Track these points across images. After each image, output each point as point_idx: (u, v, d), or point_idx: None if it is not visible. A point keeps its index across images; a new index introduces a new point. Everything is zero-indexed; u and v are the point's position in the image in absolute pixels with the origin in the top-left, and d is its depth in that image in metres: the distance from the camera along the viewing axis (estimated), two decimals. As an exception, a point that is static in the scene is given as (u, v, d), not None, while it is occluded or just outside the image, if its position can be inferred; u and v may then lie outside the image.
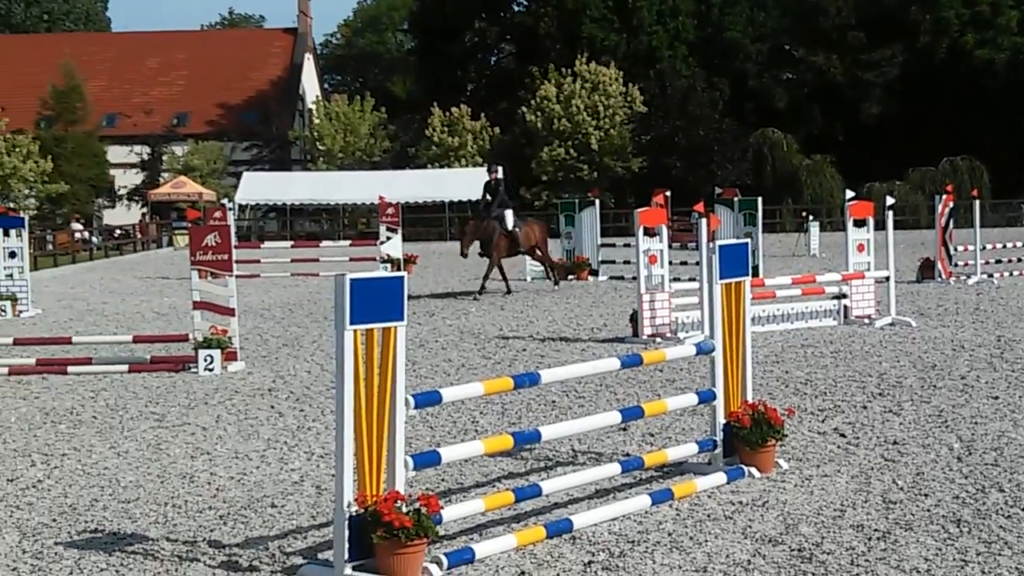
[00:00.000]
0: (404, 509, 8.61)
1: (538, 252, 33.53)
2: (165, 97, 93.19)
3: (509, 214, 31.83)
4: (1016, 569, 8.71)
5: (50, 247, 59.43)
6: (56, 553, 9.80)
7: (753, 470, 11.28)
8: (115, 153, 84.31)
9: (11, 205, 61.14)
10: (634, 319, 22.13)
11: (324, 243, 53.54)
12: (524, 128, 78.54)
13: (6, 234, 32.60)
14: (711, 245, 11.85)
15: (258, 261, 42.17)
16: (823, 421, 13.92)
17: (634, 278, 23.12)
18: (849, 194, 28.33)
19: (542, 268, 34.42)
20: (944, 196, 34.58)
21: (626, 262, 34.41)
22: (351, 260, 41.37)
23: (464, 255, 32.30)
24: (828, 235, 53.10)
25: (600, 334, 22.94)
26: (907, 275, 31.17)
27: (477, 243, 32.19)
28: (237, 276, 21.06)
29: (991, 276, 32.98)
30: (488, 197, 32.55)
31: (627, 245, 34.19)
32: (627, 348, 19.93)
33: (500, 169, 34.21)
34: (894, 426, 13.58)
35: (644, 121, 78.60)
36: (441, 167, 78.34)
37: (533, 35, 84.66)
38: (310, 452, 13.16)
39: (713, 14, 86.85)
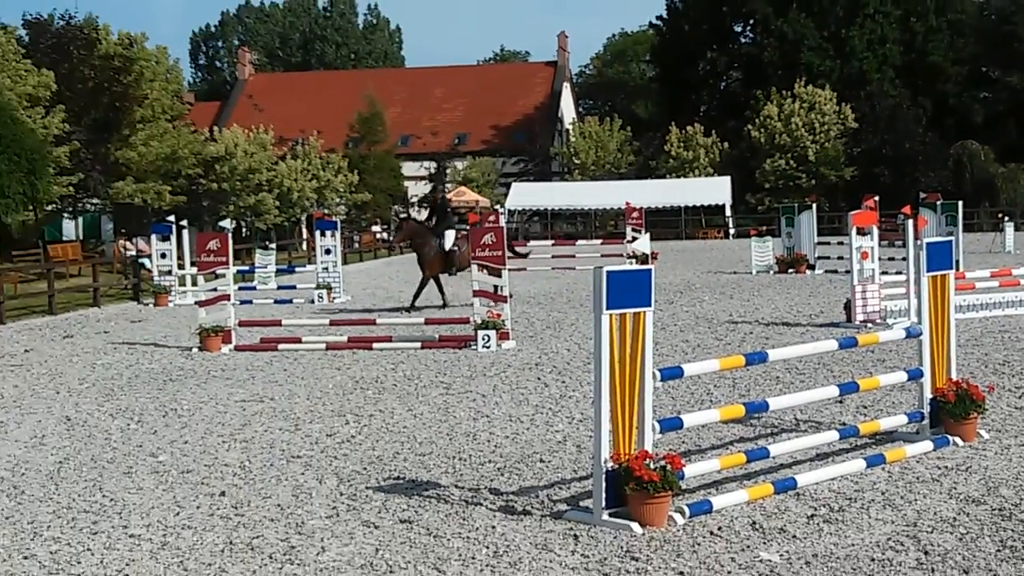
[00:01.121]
0: (652, 466, 8.66)
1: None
2: (448, 121, 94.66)
3: (450, 235, 27.74)
4: None
5: (356, 245, 60.88)
6: (367, 496, 10.11)
7: (957, 439, 11.00)
8: (408, 168, 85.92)
9: (326, 211, 62.98)
10: (848, 307, 21.73)
11: (579, 242, 53.68)
12: (749, 143, 77.63)
13: (323, 234, 33.64)
14: (919, 243, 11.55)
15: (525, 256, 42.55)
16: (1020, 397, 13.47)
17: (847, 271, 22.65)
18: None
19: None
20: None
21: (839, 258, 33.71)
22: (602, 256, 41.48)
23: (392, 246, 31.25)
24: (1021, 234, 51.18)
25: (817, 320, 22.57)
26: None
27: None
28: (509, 270, 21.32)
29: None
30: (435, 216, 29.00)
31: (840, 243, 33.53)
32: (842, 332, 19.53)
33: (446, 190, 32.21)
34: (1082, 401, 13.08)
35: (855, 136, 76.93)
36: (678, 177, 77.95)
37: (758, 63, 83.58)
38: (571, 417, 13.28)
39: (917, 41, 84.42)
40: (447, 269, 27.86)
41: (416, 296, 27.41)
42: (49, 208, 55.19)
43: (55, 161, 43.36)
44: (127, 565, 8.42)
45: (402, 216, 31.12)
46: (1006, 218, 51.89)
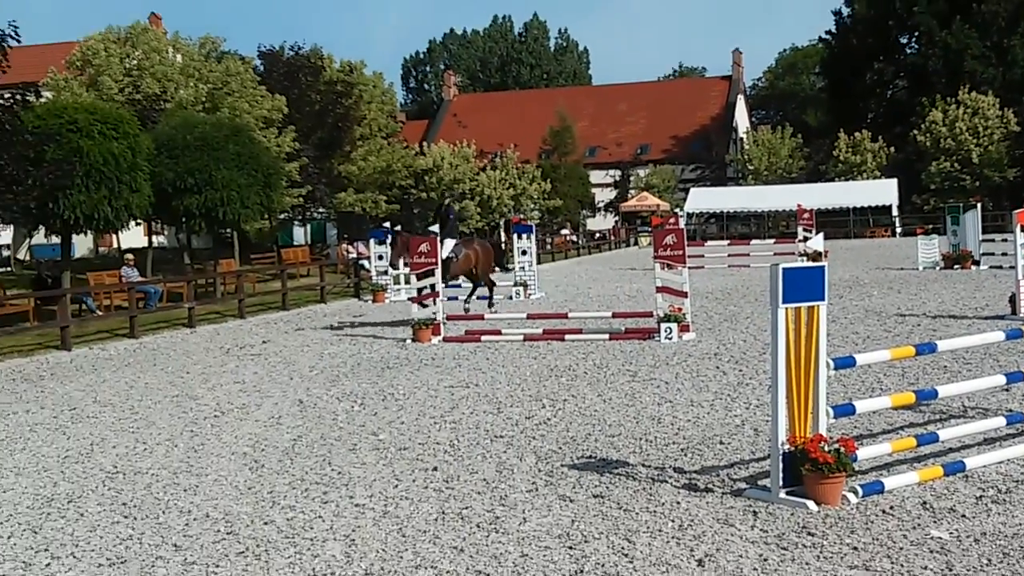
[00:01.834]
0: (827, 448, 8.51)
1: (475, 271, 25.49)
2: (632, 133, 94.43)
3: (448, 243, 24.34)
4: None
5: (549, 247, 61.17)
6: (562, 472, 10.15)
7: (1120, 425, 10.52)
8: (595, 176, 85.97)
9: (522, 216, 63.43)
10: (1013, 300, 20.93)
11: (753, 242, 53.02)
12: (915, 147, 75.39)
13: (519, 237, 33.88)
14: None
15: (702, 256, 42.13)
16: None
17: (1012, 267, 21.85)
18: None
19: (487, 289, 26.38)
20: None
21: (1003, 254, 32.54)
22: (774, 255, 40.80)
23: (393, 266, 27.67)
24: None
25: (983, 312, 21.79)
26: None
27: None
28: (688, 267, 21.14)
29: None
30: (439, 224, 24.80)
31: (1004, 240, 32.39)
32: (1007, 324, 18.82)
33: (452, 199, 29.15)
34: None
35: (1018, 138, 74.07)
36: (846, 180, 76.37)
37: (923, 72, 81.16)
38: (748, 403, 13.11)
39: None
40: (443, 277, 23.64)
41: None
42: (282, 216, 56.92)
43: (287, 175, 44.60)
44: (353, 531, 8.62)
45: (395, 231, 27.71)
46: None
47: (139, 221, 34.45)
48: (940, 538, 7.68)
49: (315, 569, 7.77)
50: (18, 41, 26.24)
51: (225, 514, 9.32)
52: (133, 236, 48.04)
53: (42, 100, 29.77)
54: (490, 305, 25.70)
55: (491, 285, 26.20)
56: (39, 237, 44.17)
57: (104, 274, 32.58)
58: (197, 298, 28.96)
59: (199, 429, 13.30)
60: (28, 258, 52.34)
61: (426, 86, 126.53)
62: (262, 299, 32.67)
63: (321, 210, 61.39)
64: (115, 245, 54.02)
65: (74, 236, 30.51)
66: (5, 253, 50.58)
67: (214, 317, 28.52)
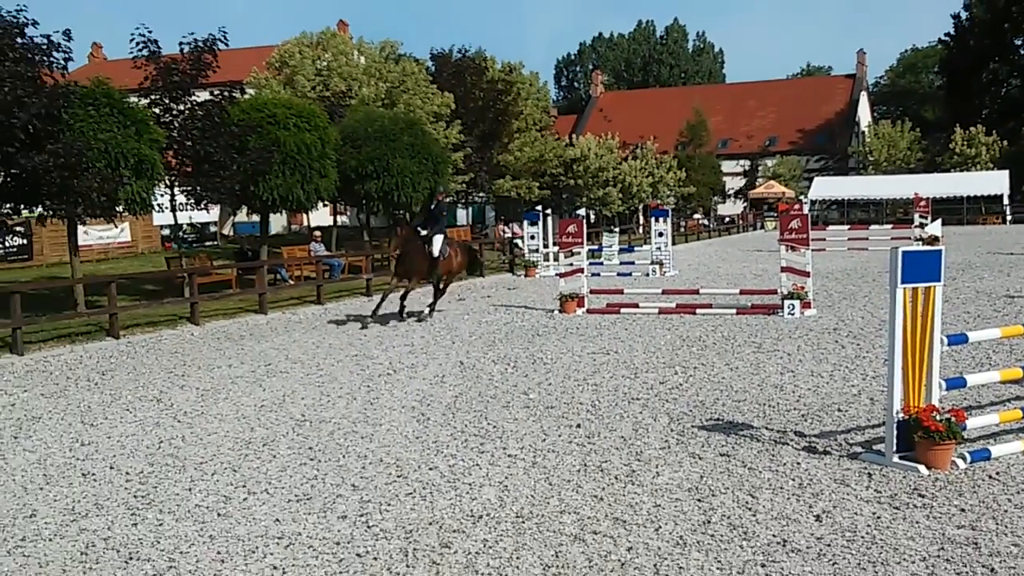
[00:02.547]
0: (938, 418, 8.27)
1: (444, 279, 21.96)
2: (760, 127, 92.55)
3: (438, 240, 20.97)
4: None
5: (683, 229, 60.48)
6: (692, 432, 10.06)
7: None
8: (727, 166, 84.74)
9: (659, 201, 62.88)
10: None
11: (872, 227, 51.53)
12: (1029, 141, 72.45)
13: (656, 220, 33.56)
14: None
15: (824, 240, 41.14)
16: None
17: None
18: None
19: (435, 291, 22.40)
20: None
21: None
22: (891, 239, 39.65)
23: (392, 256, 21.99)
24: None
25: (1087, 295, 20.83)
26: None
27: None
28: (811, 250, 20.66)
29: None
30: (430, 219, 21.57)
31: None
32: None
33: (443, 192, 25.24)
34: None
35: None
36: (961, 171, 73.71)
37: (1037, 71, 78.05)
38: (865, 374, 12.77)
39: None
40: (430, 277, 21.56)
41: (402, 306, 21.28)
42: (447, 200, 57.51)
43: (453, 163, 45.02)
44: (506, 478, 8.70)
45: (395, 223, 25.12)
46: None
47: (326, 203, 35.09)
48: None
49: (473, 510, 7.86)
50: (226, 45, 27.03)
51: (396, 460, 9.49)
52: (320, 215, 49.19)
53: (246, 96, 30.57)
54: (431, 311, 21.59)
55: (445, 290, 22.39)
56: (241, 216, 45.56)
57: (295, 248, 33.43)
58: (374, 270, 29.44)
59: (374, 385, 13.56)
60: (231, 234, 54.04)
61: (576, 84, 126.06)
62: (429, 272, 33.00)
63: (481, 194, 61.84)
64: (305, 223, 55.39)
65: (271, 215, 31.28)
66: (212, 229, 52.24)
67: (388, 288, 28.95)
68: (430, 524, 7.59)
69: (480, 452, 9.63)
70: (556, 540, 7.11)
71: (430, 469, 9.11)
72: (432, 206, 22.75)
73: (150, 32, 26.18)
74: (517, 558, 6.82)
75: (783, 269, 20.03)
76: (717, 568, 6.50)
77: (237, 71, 40.67)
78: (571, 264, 22.40)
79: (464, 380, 13.58)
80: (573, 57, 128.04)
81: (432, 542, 7.21)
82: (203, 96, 26.91)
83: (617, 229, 46.91)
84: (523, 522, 7.52)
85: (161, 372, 15.87)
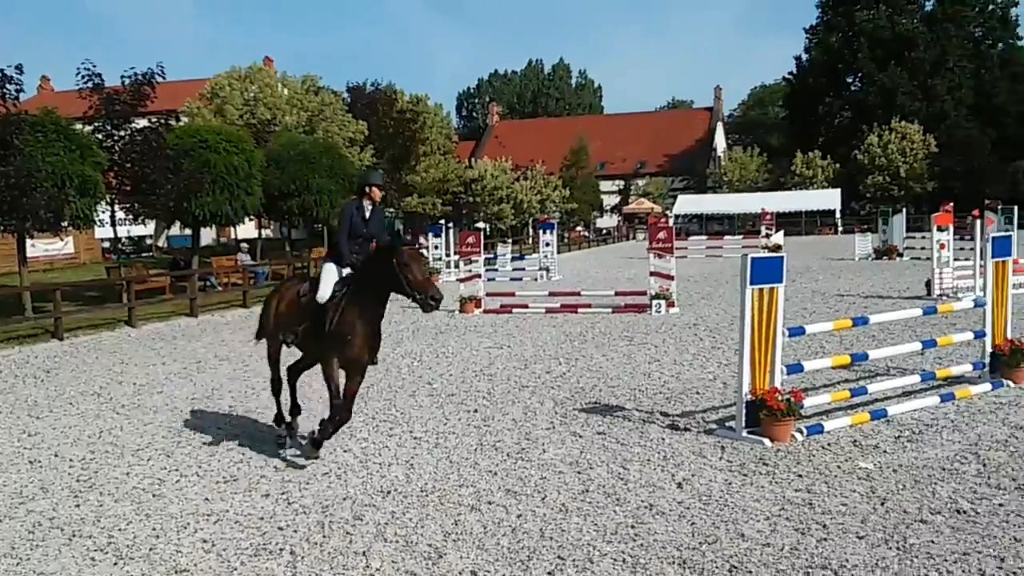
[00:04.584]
0: (780, 398, 8.49)
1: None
2: (633, 152, 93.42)
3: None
4: None
5: (566, 240, 60.91)
6: (574, 415, 10.16)
7: (1010, 382, 10.40)
8: (604, 185, 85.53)
9: (547, 215, 63.20)
10: (929, 284, 20.72)
11: (726, 238, 52.64)
12: (855, 164, 74.36)
13: (544, 232, 33.75)
14: (987, 237, 10.95)
15: (686, 248, 41.90)
16: (1059, 352, 12.64)
17: (928, 258, 21.58)
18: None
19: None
20: None
21: (922, 248, 32.18)
22: (743, 247, 40.48)
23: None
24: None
25: (905, 294, 21.56)
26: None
27: None
28: (675, 257, 21.02)
29: None
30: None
31: (923, 237, 32.00)
32: (924, 302, 18.63)
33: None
34: (1111, 356, 12.16)
35: (936, 158, 72.98)
36: (801, 190, 75.61)
37: (863, 105, 79.99)
38: (719, 362, 13.05)
39: (985, 87, 79.27)
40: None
41: None
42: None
43: (365, 183, 44.79)
44: (412, 458, 8.68)
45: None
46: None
47: (252, 217, 34.54)
48: (866, 468, 7.65)
49: (382, 487, 7.83)
50: (163, 78, 26.45)
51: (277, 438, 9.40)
52: (247, 229, 48.19)
53: (180, 124, 29.99)
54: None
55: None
56: (175, 229, 44.50)
57: (224, 258, 32.78)
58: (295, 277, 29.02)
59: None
60: (166, 245, 52.77)
61: (475, 114, 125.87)
62: (345, 279, 32.62)
63: (392, 210, 61.59)
64: (233, 236, 54.29)
65: (202, 229, 30.67)
66: (148, 241, 50.97)
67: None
68: (344, 499, 7.54)
69: (389, 435, 9.58)
70: (455, 510, 7.12)
71: (344, 451, 9.03)
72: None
73: (94, 67, 25.55)
74: (421, 527, 6.81)
75: (652, 273, 20.33)
76: (594, 529, 6.58)
77: (173, 101, 39.83)
78: (470, 271, 22.42)
79: (375, 373, 13.45)
80: (472, 90, 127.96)
81: (346, 515, 7.16)
82: (142, 123, 26.33)
83: (510, 240, 47.09)
84: (426, 496, 7.52)
85: (101, 370, 15.43)
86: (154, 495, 7.97)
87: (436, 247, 34.97)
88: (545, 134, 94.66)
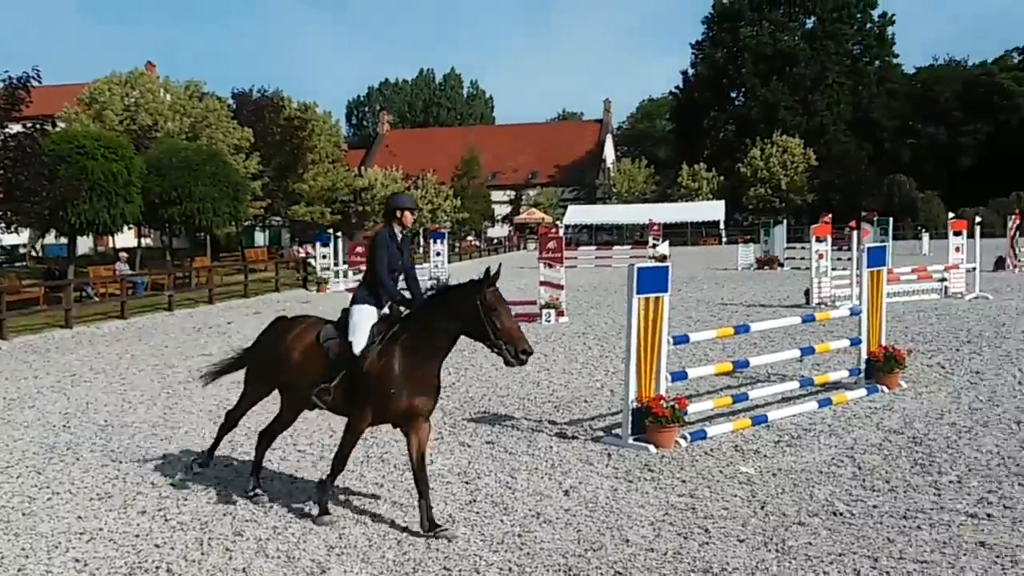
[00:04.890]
0: (665, 405, 8.64)
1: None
2: (524, 163, 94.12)
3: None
4: (1058, 454, 8.13)
5: (457, 249, 61.00)
6: (463, 424, 10.15)
7: (884, 388, 10.83)
8: (495, 195, 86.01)
9: (437, 225, 63.17)
10: (807, 293, 21.44)
11: (615, 247, 53.42)
12: (739, 177, 76.71)
13: (435, 242, 33.70)
14: (862, 247, 11.39)
15: (576, 258, 42.44)
16: (930, 358, 13.23)
17: (808, 268, 22.35)
18: (950, 216, 26.79)
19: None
20: (1013, 216, 32.27)
21: (802, 258, 33.26)
22: (631, 257, 41.15)
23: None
24: (935, 242, 49.96)
25: (785, 302, 22.27)
26: (987, 267, 29.07)
27: None
28: (564, 267, 21.25)
29: (1045, 267, 30.60)
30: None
31: (803, 248, 33.09)
32: (803, 311, 19.26)
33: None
34: (976, 362, 12.79)
35: (816, 171, 75.77)
36: (687, 201, 77.42)
37: (747, 119, 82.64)
38: (607, 370, 13.23)
39: (863, 102, 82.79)
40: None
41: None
42: (246, 224, 56.03)
43: (251, 191, 43.98)
44: (296, 471, 8.54)
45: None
46: (924, 231, 51.16)
47: (131, 226, 33.60)
48: (747, 472, 7.85)
49: (269, 496, 7.67)
50: (39, 82, 25.54)
51: (195, 459, 9.13)
52: (126, 237, 46.86)
53: (57, 129, 28.97)
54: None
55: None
56: (50, 238, 42.92)
57: (101, 268, 31.70)
58: (176, 287, 28.30)
59: (174, 392, 13.04)
60: (40, 255, 50.80)
61: (365, 122, 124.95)
62: (228, 289, 32.04)
63: (278, 219, 60.70)
64: (111, 245, 52.56)
65: (78, 237, 29.67)
66: (22, 250, 49.00)
67: (189, 303, 27.88)
68: (224, 515, 7.36)
69: (272, 449, 9.36)
70: (341, 523, 7.03)
71: (226, 466, 8.83)
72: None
73: (-36, 70, 24.55)
74: (304, 541, 6.70)
75: (542, 283, 20.50)
76: (480, 539, 6.58)
77: (50, 106, 38.40)
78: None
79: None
80: (363, 99, 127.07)
81: (226, 531, 6.99)
82: (16, 128, 25.35)
83: (401, 250, 46.78)
84: (310, 509, 7.39)
85: (-34, 385, 14.73)
86: (24, 514, 7.64)
87: (324, 256, 34.53)
88: (436, 144, 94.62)
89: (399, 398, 6.85)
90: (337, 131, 67.60)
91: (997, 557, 5.96)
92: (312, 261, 37.02)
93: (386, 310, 7.33)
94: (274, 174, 52.17)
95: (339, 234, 38.05)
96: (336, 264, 34.92)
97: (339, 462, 7.11)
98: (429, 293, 7.24)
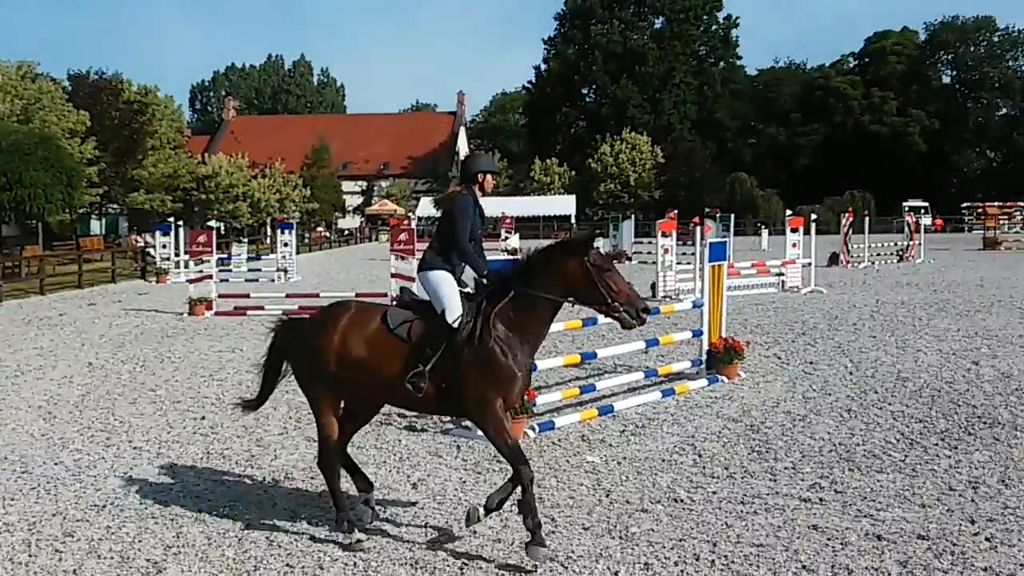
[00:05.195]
0: (512, 396, 8.69)
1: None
2: (376, 153, 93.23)
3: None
4: (884, 441, 8.61)
5: (307, 241, 60.00)
6: (309, 419, 9.88)
7: (724, 378, 11.23)
8: (347, 185, 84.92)
9: (285, 215, 61.90)
10: (653, 286, 22.00)
11: (469, 240, 53.47)
12: (590, 172, 78.19)
13: (282, 232, 33.08)
14: (704, 243, 11.78)
15: (430, 250, 42.29)
16: (768, 349, 13.79)
17: (654, 262, 22.95)
18: (788, 213, 28.03)
19: None
20: (847, 214, 34.05)
21: (648, 252, 34.15)
22: (485, 250, 41.25)
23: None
24: (774, 238, 52.08)
25: (633, 296, 22.76)
26: (822, 262, 30.55)
27: None
28: (417, 258, 21.14)
29: (873, 263, 32.35)
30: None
31: (650, 242, 33.97)
32: (649, 304, 19.71)
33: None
34: (811, 353, 13.41)
35: (663, 168, 77.93)
36: (539, 195, 78.35)
37: (598, 116, 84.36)
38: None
39: (708, 102, 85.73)
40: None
41: None
42: (81, 211, 53.65)
43: (87, 177, 42.11)
44: (131, 469, 8.22)
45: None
46: (763, 227, 53.34)
47: (-48, 212, 31.73)
48: (593, 462, 8.00)
49: (96, 501, 7.36)
50: None
51: (21, 457, 8.68)
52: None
53: None
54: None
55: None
56: None
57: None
58: (4, 277, 26.84)
59: (0, 387, 12.34)
60: None
61: (210, 108, 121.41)
62: (61, 279, 30.56)
63: (115, 207, 58.34)
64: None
65: None
66: None
67: (19, 294, 26.46)
68: (54, 515, 7.02)
69: (106, 446, 9.02)
70: (178, 523, 6.80)
71: (55, 464, 8.42)
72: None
73: None
74: (139, 541, 6.46)
75: (393, 275, 20.33)
76: (325, 535, 6.49)
77: None
78: (201, 271, 21.54)
79: (93, 379, 12.67)
80: (208, 83, 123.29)
81: (56, 532, 6.67)
82: None
83: (246, 240, 45.72)
84: (146, 508, 7.13)
85: None
86: None
87: (164, 246, 33.37)
88: (285, 132, 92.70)
89: (516, 381, 6.02)
90: (180, 116, 65.46)
91: (828, 540, 6.27)
92: (151, 251, 35.75)
93: (467, 283, 6.44)
94: (112, 160, 50.14)
95: (180, 223, 36.88)
96: (177, 254, 33.83)
97: (518, 460, 5.86)
98: (518, 259, 6.42)
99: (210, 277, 21.31)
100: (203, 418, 10.12)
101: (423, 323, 6.20)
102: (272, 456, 8.51)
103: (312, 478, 7.75)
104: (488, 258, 7.44)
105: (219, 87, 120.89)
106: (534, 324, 6.15)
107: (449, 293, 6.22)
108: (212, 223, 23.11)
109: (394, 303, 6.61)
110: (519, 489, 5.88)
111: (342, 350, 6.23)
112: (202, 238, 21.96)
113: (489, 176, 6.64)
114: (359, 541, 6.15)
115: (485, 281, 6.35)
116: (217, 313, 20.55)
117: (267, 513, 6.96)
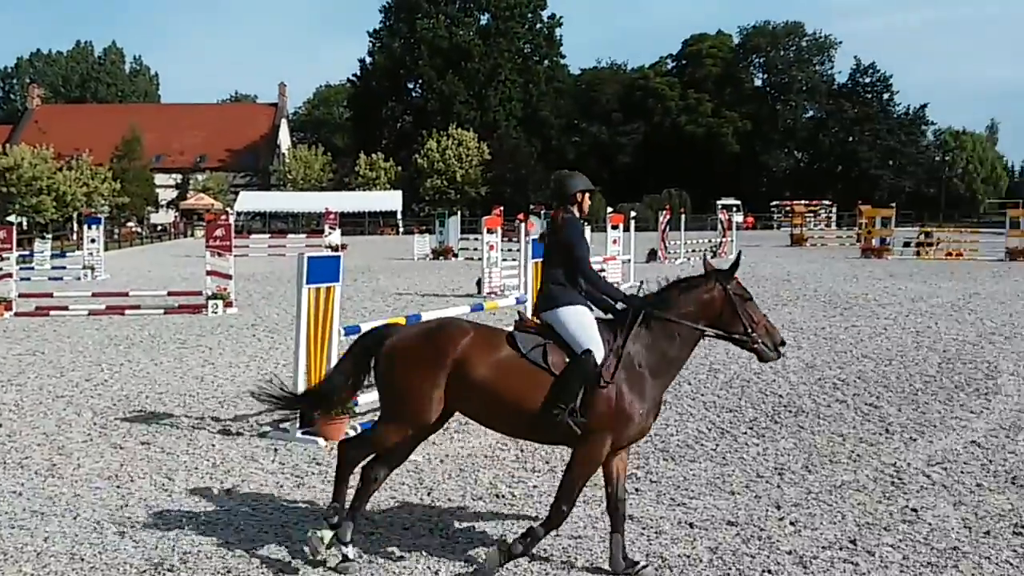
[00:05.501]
0: (332, 396, 8.58)
1: None
2: (192, 145, 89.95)
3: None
4: (697, 431, 8.90)
5: (116, 236, 57.39)
6: (115, 425, 9.53)
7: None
8: (160, 179, 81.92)
9: (93, 210, 59.02)
10: (479, 283, 22.21)
11: (289, 236, 52.68)
12: (416, 168, 78.05)
13: (89, 228, 31.52)
14: (528, 240, 11.93)
15: (248, 247, 41.33)
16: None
17: (480, 258, 23.14)
18: (609, 210, 28.85)
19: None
20: (664, 212, 35.34)
21: (475, 250, 34.44)
22: (306, 246, 40.66)
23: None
24: (596, 234, 53.40)
25: (459, 292, 22.95)
26: (640, 258, 31.51)
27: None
28: (234, 255, 20.58)
29: (689, 259, 33.63)
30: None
31: (476, 239, 34.25)
32: (474, 300, 19.90)
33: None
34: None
35: (489, 164, 78.57)
36: (364, 191, 77.62)
37: (424, 111, 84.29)
38: (277, 363, 12.94)
39: (533, 100, 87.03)
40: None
41: None
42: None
43: None
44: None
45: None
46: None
47: None
48: (416, 461, 7.96)
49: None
50: None
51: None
52: None
53: None
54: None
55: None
56: None
57: None
58: None
59: None
60: None
61: (12, 96, 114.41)
62: None
63: None
64: None
65: None
66: None
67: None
68: None
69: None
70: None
71: None
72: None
73: None
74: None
75: (208, 272, 19.74)
76: (132, 545, 6.20)
77: None
78: (0, 269, 20.27)
79: None
80: (10, 70, 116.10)
81: None
82: None
83: (50, 236, 43.28)
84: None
85: None
86: None
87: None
88: (94, 121, 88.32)
89: (644, 419, 5.78)
90: (-25, 103, 61.54)
91: (643, 529, 6.47)
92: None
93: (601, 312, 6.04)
94: None
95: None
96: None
97: (568, 504, 5.70)
98: (655, 289, 6.05)
99: (10, 276, 20.07)
100: (0, 425, 9.52)
101: (564, 356, 5.76)
102: (75, 465, 8.08)
103: (117, 487, 7.41)
104: (308, 254, 7.42)
105: (23, 74, 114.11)
106: (672, 355, 5.87)
107: (592, 332, 5.78)
108: (12, 218, 21.79)
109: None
110: (541, 524, 5.74)
111: (467, 375, 5.77)
112: (1, 234, 20.68)
113: (587, 196, 6.30)
114: (323, 538, 5.86)
115: (620, 307, 6.00)
116: (17, 314, 19.36)
117: (69, 525, 6.61)
